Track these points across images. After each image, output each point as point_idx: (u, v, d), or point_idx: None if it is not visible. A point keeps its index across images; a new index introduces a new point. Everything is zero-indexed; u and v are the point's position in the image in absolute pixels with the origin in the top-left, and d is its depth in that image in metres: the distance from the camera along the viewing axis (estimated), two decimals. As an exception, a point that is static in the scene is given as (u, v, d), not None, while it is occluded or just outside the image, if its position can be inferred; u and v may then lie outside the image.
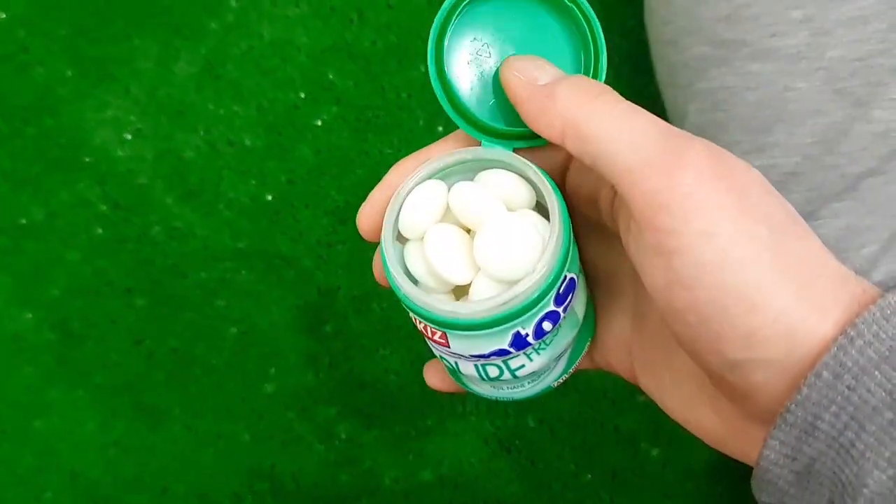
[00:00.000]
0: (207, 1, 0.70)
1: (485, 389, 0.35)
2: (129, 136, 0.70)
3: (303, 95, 0.70)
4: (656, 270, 0.29)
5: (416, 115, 0.70)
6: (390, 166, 0.34)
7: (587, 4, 0.33)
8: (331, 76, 0.70)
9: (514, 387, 0.34)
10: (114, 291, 0.71)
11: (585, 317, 0.34)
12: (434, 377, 0.38)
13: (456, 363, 0.33)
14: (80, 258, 0.71)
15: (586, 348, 0.36)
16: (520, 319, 0.30)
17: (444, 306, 0.30)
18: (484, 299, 0.30)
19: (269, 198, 0.71)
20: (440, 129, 0.70)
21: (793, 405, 0.28)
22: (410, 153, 0.34)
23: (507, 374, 0.33)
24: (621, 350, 0.36)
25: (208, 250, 0.71)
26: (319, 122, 0.70)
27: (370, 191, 0.34)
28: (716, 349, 0.28)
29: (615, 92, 0.31)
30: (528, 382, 0.34)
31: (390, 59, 0.70)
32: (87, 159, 0.71)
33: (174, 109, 0.70)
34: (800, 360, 0.28)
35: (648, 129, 0.29)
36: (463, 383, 0.36)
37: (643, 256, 0.30)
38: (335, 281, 0.71)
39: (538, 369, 0.33)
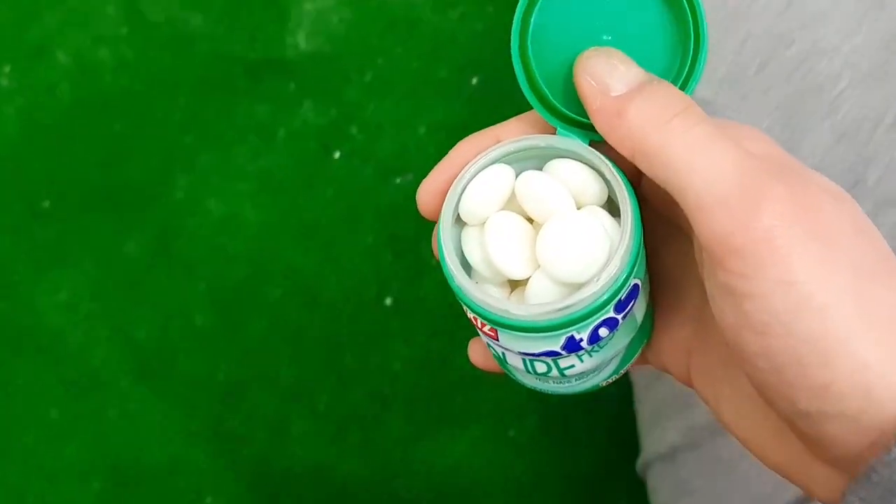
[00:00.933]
0: (158, 177, 0.70)
1: (529, 380, 0.33)
2: (81, 316, 0.70)
3: (253, 271, 0.70)
4: (727, 308, 0.27)
5: (368, 283, 0.69)
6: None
7: None
8: (280, 250, 0.70)
9: (561, 383, 0.33)
10: (70, 475, 0.70)
11: (645, 318, 0.33)
12: (477, 354, 0.35)
13: (503, 354, 0.32)
14: (35, 440, 0.71)
15: (641, 349, 0.34)
16: (576, 326, 0.29)
17: (498, 304, 0.29)
18: (540, 303, 0.29)
19: (222, 376, 0.70)
20: (388, 301, 0.69)
21: (878, 465, 0.26)
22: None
23: (554, 372, 0.32)
24: (679, 354, 0.34)
25: (164, 430, 0.70)
26: (271, 297, 0.69)
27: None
28: (786, 396, 0.27)
29: (696, 109, 0.28)
30: (576, 380, 0.33)
31: (340, 228, 0.69)
32: (41, 341, 0.71)
33: (126, 288, 0.70)
34: (879, 417, 0.26)
35: (724, 161, 0.27)
36: (507, 370, 0.34)
37: (713, 289, 0.28)
38: (288, 460, 0.69)
39: (588, 370, 0.32)
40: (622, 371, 0.34)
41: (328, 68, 0.71)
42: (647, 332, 0.34)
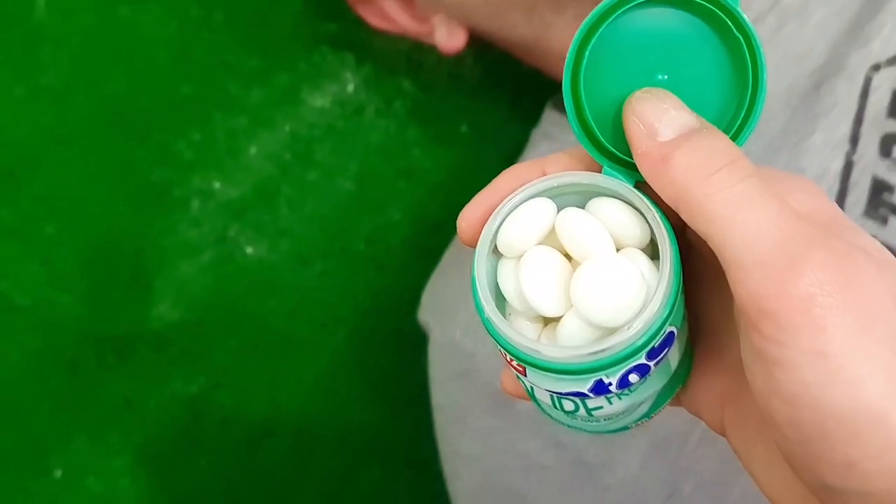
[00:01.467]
0: (34, 461, 0.71)
1: (557, 415, 0.33)
2: None
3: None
4: (758, 373, 0.27)
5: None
6: None
7: (757, 40, 0.29)
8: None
9: (589, 422, 0.32)
10: None
11: (680, 364, 0.32)
12: (508, 381, 0.35)
13: (532, 388, 0.32)
14: None
15: (675, 394, 0.33)
16: (605, 371, 0.29)
17: (527, 343, 0.29)
18: (570, 347, 0.29)
19: None
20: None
21: None
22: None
23: (582, 411, 0.31)
24: (714, 403, 0.33)
25: None
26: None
27: None
28: (812, 469, 0.26)
29: (743, 162, 0.28)
30: (605, 420, 0.32)
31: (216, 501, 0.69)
32: None
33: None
34: None
35: (765, 221, 0.27)
36: (536, 403, 0.33)
37: (747, 351, 0.28)
38: None
39: (616, 413, 0.31)
40: (654, 414, 0.33)
41: (194, 336, 0.72)
42: (683, 377, 0.33)
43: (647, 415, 0.33)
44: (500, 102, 0.68)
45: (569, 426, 0.34)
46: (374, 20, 0.63)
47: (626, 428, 0.33)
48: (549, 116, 0.63)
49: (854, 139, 0.49)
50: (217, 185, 0.69)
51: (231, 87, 0.69)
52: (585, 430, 0.34)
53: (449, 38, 0.60)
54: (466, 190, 0.32)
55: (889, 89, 0.50)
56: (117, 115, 0.68)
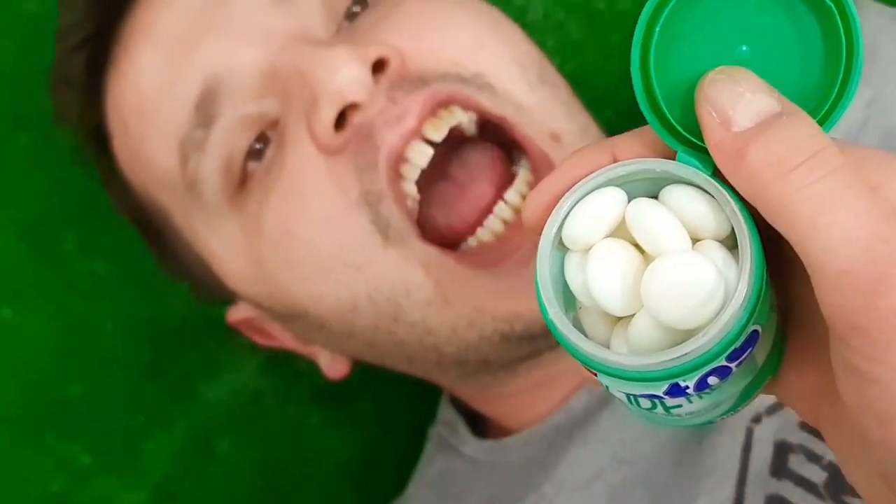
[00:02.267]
0: None
1: (635, 411, 0.30)
2: None
3: None
4: (849, 387, 0.25)
5: None
6: None
7: (852, 6, 0.26)
8: None
9: (669, 418, 0.30)
10: None
11: (769, 358, 0.29)
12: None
13: (606, 386, 0.29)
14: None
15: (764, 385, 0.30)
16: (680, 377, 0.27)
17: (592, 350, 0.27)
18: (638, 356, 0.27)
19: None
20: None
21: None
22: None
23: (660, 410, 0.29)
24: (808, 396, 0.30)
25: None
26: None
27: None
28: None
29: (828, 153, 0.25)
30: (687, 416, 0.30)
31: None
32: None
33: None
34: None
35: (851, 224, 0.24)
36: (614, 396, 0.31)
37: (836, 361, 0.25)
38: None
39: (698, 411, 0.29)
40: (740, 408, 0.30)
41: None
42: (773, 368, 0.30)
43: (734, 409, 0.30)
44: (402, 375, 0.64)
45: (649, 421, 0.31)
46: (258, 337, 0.59)
47: (710, 422, 0.31)
48: (444, 414, 0.60)
49: (738, 502, 0.46)
50: (117, 489, 0.66)
51: (123, 385, 0.67)
52: (667, 426, 0.32)
53: (332, 365, 0.57)
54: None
55: (770, 442, 0.46)
56: (6, 419, 0.66)
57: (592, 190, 0.28)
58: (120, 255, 0.67)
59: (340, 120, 0.46)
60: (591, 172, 0.28)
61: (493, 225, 0.48)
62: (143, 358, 0.66)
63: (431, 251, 0.47)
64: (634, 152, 0.28)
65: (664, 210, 0.27)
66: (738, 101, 0.25)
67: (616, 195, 0.28)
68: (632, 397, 0.29)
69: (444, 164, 0.50)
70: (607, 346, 0.28)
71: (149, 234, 0.59)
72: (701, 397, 0.28)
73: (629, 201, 0.28)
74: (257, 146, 0.49)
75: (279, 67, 0.47)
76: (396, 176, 0.47)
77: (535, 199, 0.29)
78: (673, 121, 0.27)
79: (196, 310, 0.67)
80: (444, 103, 0.47)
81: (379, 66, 0.46)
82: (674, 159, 0.28)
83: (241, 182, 0.50)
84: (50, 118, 0.65)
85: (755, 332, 0.27)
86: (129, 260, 0.67)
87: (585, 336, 0.28)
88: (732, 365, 0.27)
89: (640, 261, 0.27)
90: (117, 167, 0.55)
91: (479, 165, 0.49)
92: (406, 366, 0.53)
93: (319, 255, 0.48)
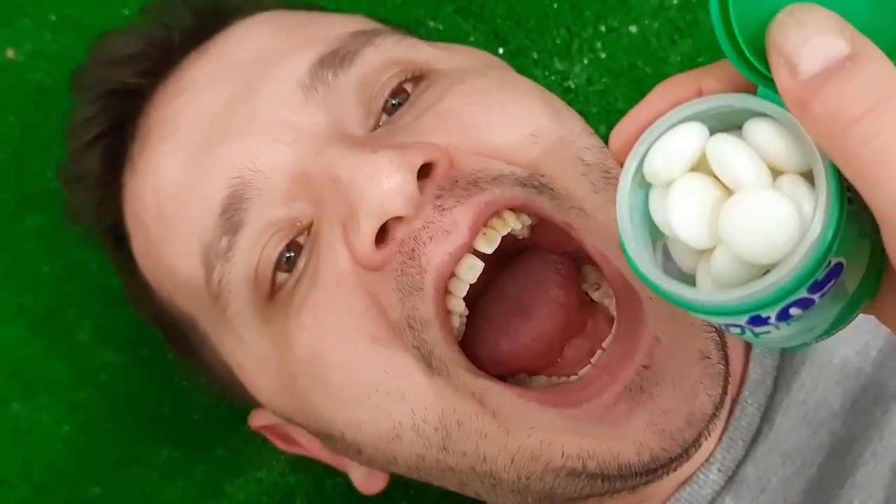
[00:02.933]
0: None
1: (727, 332, 0.31)
2: None
3: None
4: None
5: None
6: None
7: None
8: None
9: (759, 339, 0.30)
10: None
11: (862, 285, 0.29)
12: None
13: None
14: None
15: (860, 309, 0.30)
16: (760, 310, 0.28)
17: (670, 287, 0.28)
18: (713, 293, 0.28)
19: None
20: None
21: None
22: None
23: (749, 335, 0.30)
24: None
25: None
26: None
27: None
28: None
29: (891, 103, 0.24)
30: (778, 339, 0.30)
31: None
32: None
33: None
34: None
35: None
36: None
37: None
38: None
39: (787, 336, 0.29)
40: (835, 331, 0.30)
41: None
42: (871, 292, 0.30)
43: (829, 332, 0.30)
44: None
45: (745, 339, 0.31)
46: (282, 444, 0.55)
47: (806, 344, 0.31)
48: None
49: None
50: None
51: (145, 486, 0.62)
52: (762, 345, 0.32)
53: (366, 481, 0.52)
54: None
55: None
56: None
57: (674, 125, 0.29)
58: (138, 345, 0.62)
59: (381, 232, 0.41)
60: (676, 106, 0.28)
61: (575, 367, 0.43)
62: (165, 456, 0.62)
63: (484, 383, 0.41)
64: (718, 86, 0.29)
65: (743, 145, 0.28)
66: (803, 46, 0.25)
67: (697, 130, 0.28)
68: (720, 325, 0.29)
69: (495, 275, 0.45)
70: (694, 276, 0.29)
71: (170, 336, 0.54)
72: (789, 324, 0.28)
73: (710, 136, 0.28)
74: (288, 255, 0.44)
75: (312, 172, 0.42)
76: (443, 297, 0.41)
77: (623, 130, 0.29)
78: (752, 56, 0.27)
79: (220, 402, 0.62)
80: (498, 211, 0.42)
81: (425, 170, 0.41)
82: (755, 94, 0.28)
83: (271, 294, 0.45)
84: (58, 197, 0.60)
85: (839, 264, 0.27)
86: (147, 350, 0.62)
87: (674, 265, 0.30)
88: (815, 296, 0.27)
89: (720, 195, 0.28)
90: (136, 269, 0.51)
91: (539, 282, 0.44)
92: (455, 488, 0.48)
93: (356, 382, 0.42)
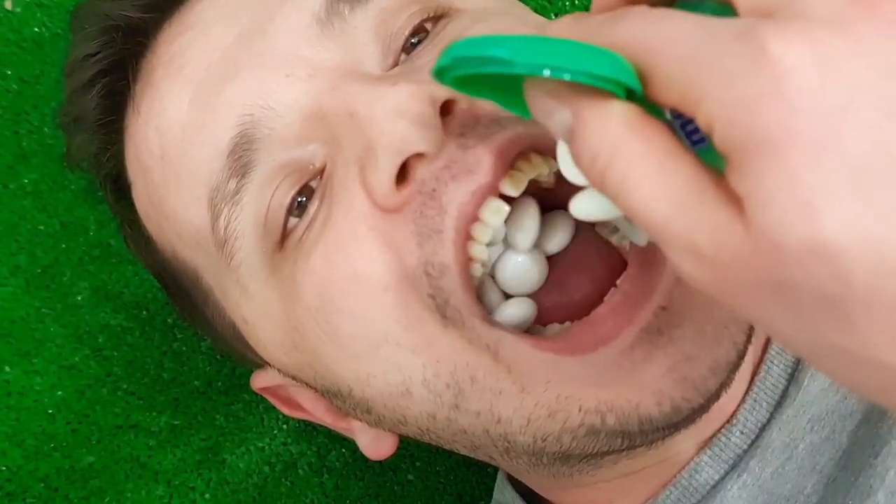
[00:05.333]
0: None
1: None
2: None
3: None
4: None
5: None
6: None
7: None
8: None
9: None
10: None
11: None
12: None
13: None
14: None
15: None
16: None
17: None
18: None
19: None
20: None
21: None
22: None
23: None
24: None
25: None
26: None
27: None
28: None
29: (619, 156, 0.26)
30: None
31: None
32: None
33: None
34: None
35: None
36: None
37: None
38: None
39: None
40: None
41: None
42: None
43: None
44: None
45: None
46: (286, 408, 0.52)
47: None
48: (502, 496, 0.53)
49: None
50: (134, 569, 0.59)
51: (141, 453, 0.60)
52: None
53: (374, 444, 0.49)
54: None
55: None
56: (10, 493, 0.59)
57: None
58: (137, 308, 0.60)
59: (401, 172, 0.38)
60: None
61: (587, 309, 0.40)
62: (164, 423, 0.60)
63: (500, 334, 0.39)
64: None
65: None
66: (552, 119, 0.28)
67: None
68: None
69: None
70: None
71: (172, 291, 0.52)
72: None
73: None
74: (300, 199, 0.42)
75: (327, 108, 0.40)
76: (464, 241, 0.39)
77: None
78: None
79: (222, 368, 0.60)
80: (523, 152, 0.39)
81: (446, 108, 0.38)
82: None
83: (281, 241, 0.42)
84: (57, 155, 0.58)
85: None
86: (146, 313, 0.60)
87: None
88: None
89: None
90: (137, 218, 0.48)
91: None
92: (467, 451, 0.45)
93: (366, 332, 0.40)
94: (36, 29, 0.61)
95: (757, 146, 0.22)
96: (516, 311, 0.40)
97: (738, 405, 0.44)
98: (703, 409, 0.38)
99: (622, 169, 0.25)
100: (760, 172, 0.22)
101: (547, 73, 0.25)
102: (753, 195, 0.22)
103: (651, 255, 0.38)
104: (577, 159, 0.26)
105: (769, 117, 0.22)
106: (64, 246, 0.60)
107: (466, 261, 0.39)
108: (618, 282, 0.39)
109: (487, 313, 0.40)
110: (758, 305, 0.24)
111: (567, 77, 0.26)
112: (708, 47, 0.23)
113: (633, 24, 0.25)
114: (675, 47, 0.24)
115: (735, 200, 0.23)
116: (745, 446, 0.44)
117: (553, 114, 0.27)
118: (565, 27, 0.28)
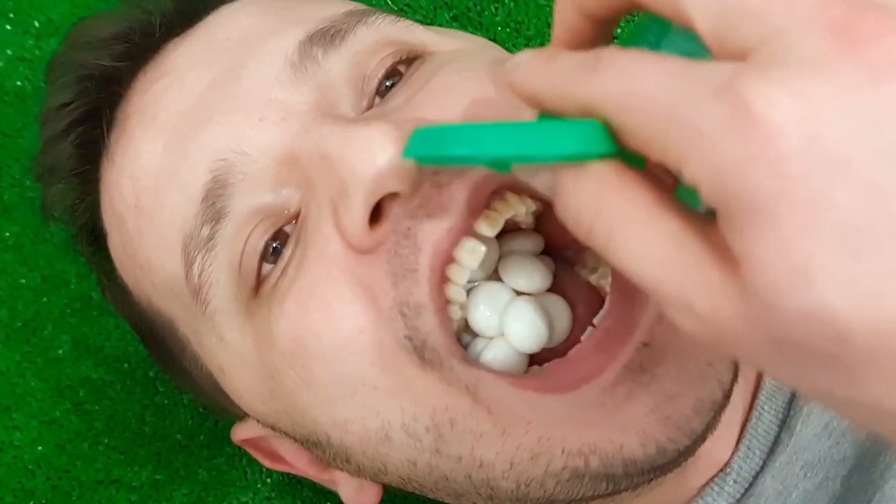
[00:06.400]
0: None
1: None
2: None
3: None
4: None
5: None
6: None
7: None
8: None
9: None
10: None
11: None
12: None
13: None
14: None
15: None
16: None
17: None
18: None
19: None
20: None
21: None
22: None
23: None
24: None
25: None
26: None
27: None
28: None
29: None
30: None
31: None
32: None
33: None
34: None
35: None
36: None
37: None
38: None
39: None
40: None
41: None
42: None
43: None
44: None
45: None
46: (267, 461, 0.51)
47: None
48: None
49: None
50: None
51: (122, 509, 0.58)
52: None
53: (357, 495, 0.48)
54: None
55: None
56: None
57: None
58: (118, 361, 0.59)
59: (375, 213, 0.37)
60: None
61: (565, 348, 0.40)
62: (146, 478, 0.58)
63: (479, 374, 0.38)
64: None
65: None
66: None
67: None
68: None
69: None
70: None
71: (150, 342, 0.51)
72: None
73: None
74: (274, 245, 0.41)
75: (300, 151, 0.39)
76: (440, 279, 0.38)
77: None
78: None
79: (204, 421, 0.59)
80: (498, 190, 0.39)
81: None
82: None
83: (256, 287, 0.41)
84: (38, 208, 0.58)
85: None
86: (128, 366, 0.59)
87: None
88: None
89: None
90: (113, 269, 0.48)
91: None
92: (451, 500, 0.44)
93: (342, 376, 0.39)
94: (18, 83, 0.61)
95: (747, 211, 0.21)
96: (498, 352, 0.40)
97: (732, 453, 0.43)
98: (688, 451, 0.37)
99: (605, 229, 0.24)
100: (753, 238, 0.21)
101: (513, 163, 0.25)
102: (748, 260, 0.21)
103: (632, 290, 0.38)
104: (562, 219, 0.26)
105: (757, 183, 0.21)
106: (45, 299, 0.59)
107: (443, 300, 0.38)
108: (595, 320, 0.39)
109: (465, 353, 0.39)
110: (759, 359, 0.23)
111: (535, 163, 0.25)
112: (686, 105, 0.22)
113: (605, 78, 0.24)
114: (651, 106, 0.23)
115: (726, 256, 0.22)
116: (738, 495, 0.43)
117: (533, 176, 0.27)
118: (532, 73, 0.27)
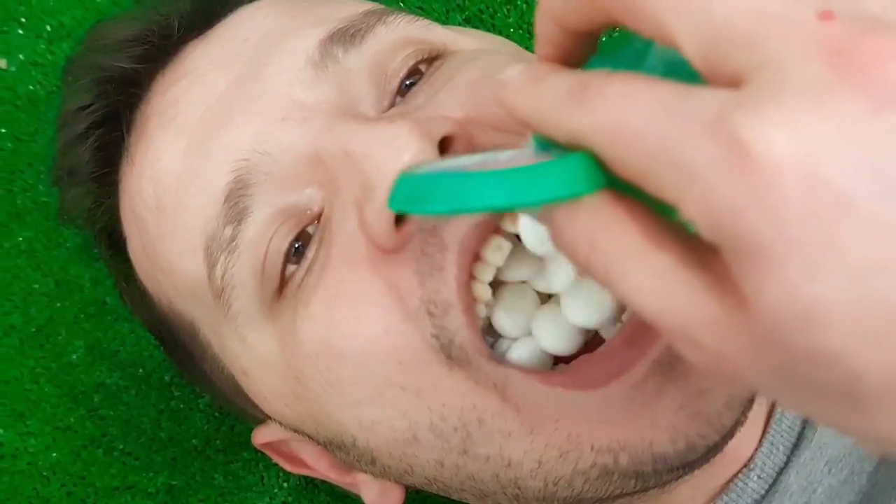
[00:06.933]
0: None
1: None
2: None
3: None
4: None
5: None
6: None
7: None
8: None
9: None
10: None
11: None
12: None
13: None
14: None
15: None
16: None
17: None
18: None
19: None
20: None
21: None
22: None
23: None
24: None
25: None
26: None
27: None
28: None
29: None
30: None
31: None
32: None
33: None
34: None
35: None
36: None
37: None
38: None
39: None
40: None
41: None
42: None
43: None
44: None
45: None
46: (288, 464, 0.51)
47: None
48: None
49: None
50: None
51: (138, 515, 0.58)
52: None
53: (380, 498, 0.48)
54: None
55: None
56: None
57: None
58: (133, 366, 0.59)
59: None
60: None
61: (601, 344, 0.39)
62: (161, 484, 0.58)
63: (507, 371, 0.38)
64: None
65: None
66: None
67: None
68: None
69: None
70: None
71: (170, 346, 0.50)
72: None
73: None
74: (297, 245, 0.41)
75: (323, 150, 0.39)
76: (467, 277, 0.38)
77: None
78: None
79: (220, 426, 0.58)
80: None
81: (444, 145, 0.38)
82: None
83: (280, 288, 0.41)
84: (51, 213, 0.57)
85: None
86: (143, 371, 0.59)
87: None
88: None
89: None
90: (133, 273, 0.47)
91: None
92: (475, 500, 0.44)
93: (369, 377, 0.39)
94: (31, 87, 0.60)
95: (749, 253, 0.20)
96: (524, 350, 0.39)
97: (755, 449, 0.43)
98: (717, 447, 0.37)
99: (601, 263, 0.24)
100: (757, 280, 0.20)
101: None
102: (754, 301, 0.20)
103: None
104: (559, 251, 0.25)
105: (758, 229, 0.20)
106: (59, 305, 0.59)
107: (470, 298, 0.38)
108: (623, 315, 0.38)
109: (493, 352, 0.39)
110: (767, 389, 0.22)
111: (520, 210, 0.24)
112: (679, 143, 0.21)
113: (594, 109, 0.23)
114: (643, 141, 0.22)
115: (729, 287, 0.21)
116: (762, 491, 0.43)
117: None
118: (520, 95, 0.26)
